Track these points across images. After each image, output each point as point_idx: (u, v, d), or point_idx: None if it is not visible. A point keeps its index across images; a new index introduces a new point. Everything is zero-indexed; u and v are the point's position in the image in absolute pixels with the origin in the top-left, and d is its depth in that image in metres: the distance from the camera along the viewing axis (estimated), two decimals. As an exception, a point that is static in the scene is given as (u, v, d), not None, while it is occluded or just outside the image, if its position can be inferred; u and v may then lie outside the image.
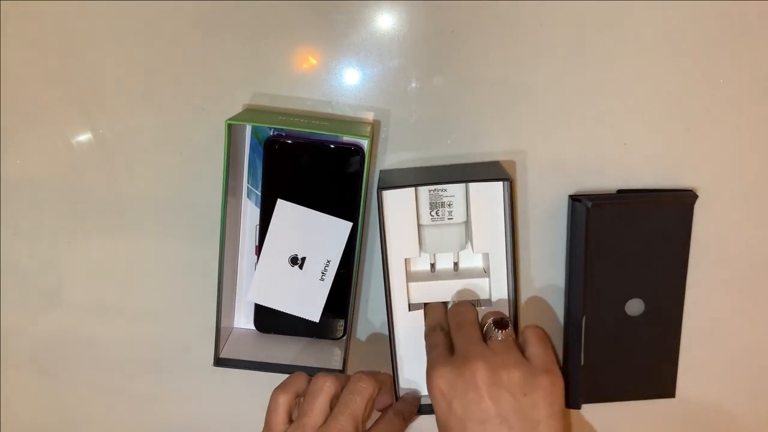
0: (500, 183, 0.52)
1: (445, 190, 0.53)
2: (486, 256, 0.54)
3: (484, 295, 0.55)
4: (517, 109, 0.54)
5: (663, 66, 0.53)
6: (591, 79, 0.53)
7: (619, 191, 0.55)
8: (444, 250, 0.55)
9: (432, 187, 0.52)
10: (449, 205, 0.53)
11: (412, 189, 0.52)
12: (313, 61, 0.54)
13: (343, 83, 0.54)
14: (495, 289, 0.54)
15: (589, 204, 0.52)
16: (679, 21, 0.52)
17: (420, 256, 0.54)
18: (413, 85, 0.54)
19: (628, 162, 0.55)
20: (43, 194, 0.58)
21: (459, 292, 0.55)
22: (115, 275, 0.59)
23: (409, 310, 0.54)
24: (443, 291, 0.55)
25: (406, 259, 0.53)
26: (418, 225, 0.53)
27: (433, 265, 0.56)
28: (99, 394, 0.63)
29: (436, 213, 0.53)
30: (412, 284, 0.54)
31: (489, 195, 0.52)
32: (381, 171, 0.55)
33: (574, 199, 0.54)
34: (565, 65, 0.53)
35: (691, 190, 0.55)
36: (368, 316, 0.59)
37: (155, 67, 0.54)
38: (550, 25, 0.52)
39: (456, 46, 0.53)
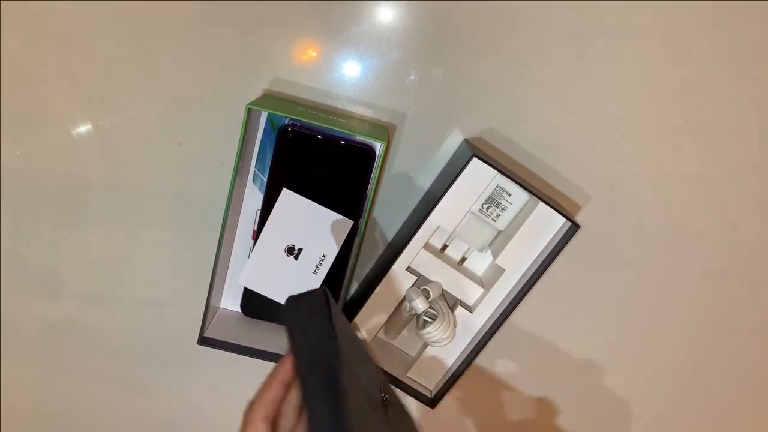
0: (566, 222, 0.51)
1: (510, 195, 0.53)
2: (500, 270, 0.54)
3: (467, 301, 0.56)
4: (515, 101, 0.55)
5: (661, 58, 0.55)
6: (589, 70, 0.55)
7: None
8: (466, 242, 0.55)
9: (503, 184, 0.53)
10: (503, 209, 0.53)
11: (493, 172, 0.51)
12: (313, 54, 0.54)
13: (343, 75, 0.55)
14: (486, 302, 0.55)
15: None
16: (675, 17, 0.54)
17: (451, 234, 0.55)
18: (411, 77, 0.55)
19: (626, 153, 0.57)
20: (43, 184, 0.57)
21: (449, 284, 0.55)
22: (115, 264, 0.59)
23: (406, 270, 0.54)
24: (439, 273, 0.55)
25: (438, 226, 0.53)
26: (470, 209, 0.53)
27: (445, 247, 0.57)
28: (98, 382, 0.62)
29: (487, 209, 0.53)
30: (422, 251, 0.54)
31: (547, 223, 0.52)
32: (465, 139, 0.55)
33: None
34: (564, 56, 0.54)
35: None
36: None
37: (154, 59, 0.54)
38: (549, 17, 0.53)
39: (455, 37, 0.54)
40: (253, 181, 0.55)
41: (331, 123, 0.50)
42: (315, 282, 0.55)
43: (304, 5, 0.53)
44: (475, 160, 0.49)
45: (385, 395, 0.42)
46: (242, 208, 0.56)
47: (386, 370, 0.55)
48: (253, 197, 0.56)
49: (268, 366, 0.54)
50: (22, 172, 0.57)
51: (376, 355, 0.57)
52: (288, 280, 0.55)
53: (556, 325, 0.61)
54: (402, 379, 0.56)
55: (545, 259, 0.52)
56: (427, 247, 0.54)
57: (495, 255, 0.54)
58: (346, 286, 0.54)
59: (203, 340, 0.53)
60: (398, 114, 0.56)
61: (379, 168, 0.52)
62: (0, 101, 0.55)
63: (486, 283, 0.56)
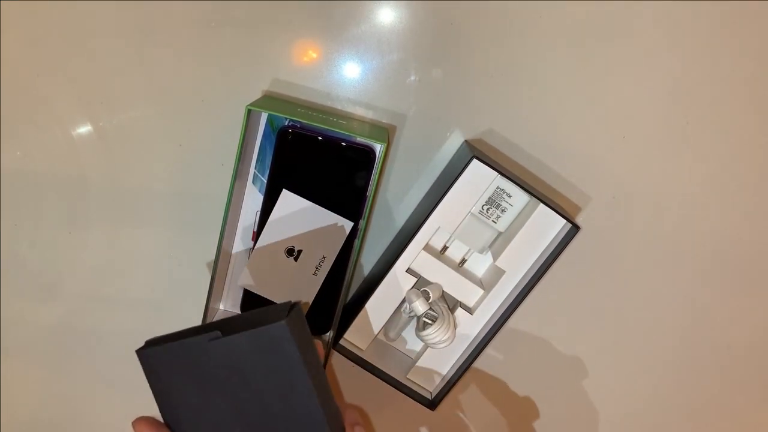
0: (566, 224, 0.51)
1: (511, 196, 0.53)
2: (500, 272, 0.54)
3: (467, 302, 0.56)
4: (516, 102, 0.55)
5: (662, 59, 0.55)
6: (590, 71, 0.55)
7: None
8: (466, 243, 0.55)
9: (503, 186, 0.53)
10: (503, 210, 0.53)
11: (493, 173, 0.51)
12: (313, 55, 0.54)
13: (343, 76, 0.55)
14: (486, 304, 0.55)
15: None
16: (675, 17, 0.54)
17: (451, 236, 0.55)
18: (411, 78, 0.55)
19: (626, 154, 0.57)
20: (43, 185, 0.57)
21: (449, 285, 0.55)
22: (115, 264, 0.59)
23: (406, 271, 0.54)
24: (439, 274, 0.55)
25: (438, 227, 0.53)
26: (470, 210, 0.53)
27: (445, 248, 0.57)
28: (98, 382, 0.62)
29: (487, 210, 0.53)
30: (422, 252, 0.54)
31: (547, 224, 0.52)
32: (466, 140, 0.56)
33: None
34: (564, 57, 0.54)
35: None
36: (353, 315, 0.60)
37: (154, 59, 0.54)
38: (549, 17, 0.53)
39: (455, 38, 0.54)
40: (253, 182, 0.55)
41: (331, 124, 0.50)
42: (315, 284, 0.55)
43: (304, 5, 0.53)
44: (475, 161, 0.49)
45: None
46: (242, 209, 0.56)
47: (386, 372, 0.55)
48: (252, 198, 0.56)
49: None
50: (22, 172, 0.57)
51: (376, 358, 0.56)
52: (288, 281, 0.55)
53: (557, 326, 0.61)
54: (402, 381, 0.56)
55: (545, 260, 0.52)
56: (428, 248, 0.54)
57: (495, 256, 0.54)
58: (346, 287, 0.54)
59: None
60: (398, 115, 0.56)
61: (379, 169, 0.52)
62: (0, 101, 0.55)
63: (486, 284, 0.56)
